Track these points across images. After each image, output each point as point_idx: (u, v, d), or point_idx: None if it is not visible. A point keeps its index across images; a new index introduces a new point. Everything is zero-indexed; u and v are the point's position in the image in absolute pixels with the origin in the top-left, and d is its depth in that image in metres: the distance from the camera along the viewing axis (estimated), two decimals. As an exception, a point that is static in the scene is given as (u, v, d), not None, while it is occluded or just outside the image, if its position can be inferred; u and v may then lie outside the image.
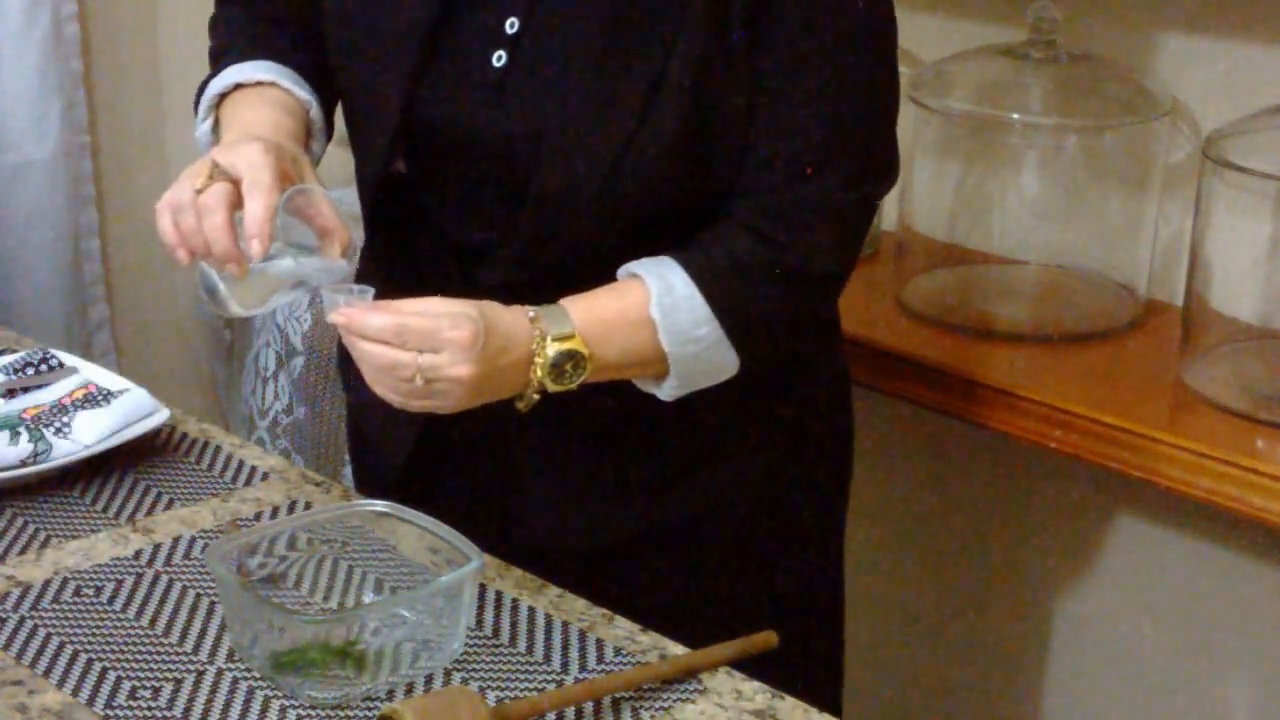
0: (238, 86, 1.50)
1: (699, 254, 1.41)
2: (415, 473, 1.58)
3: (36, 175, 2.48)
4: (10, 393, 1.70)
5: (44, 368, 1.74)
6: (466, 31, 1.43)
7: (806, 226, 1.41)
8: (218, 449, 1.70)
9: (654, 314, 1.38)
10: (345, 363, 1.71)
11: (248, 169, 1.34)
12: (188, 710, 1.28)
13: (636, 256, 1.42)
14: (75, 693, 1.30)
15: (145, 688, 1.31)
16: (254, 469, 1.66)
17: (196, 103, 1.54)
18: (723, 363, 1.42)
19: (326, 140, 1.57)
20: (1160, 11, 2.01)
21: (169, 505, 1.59)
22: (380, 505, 1.43)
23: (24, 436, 1.61)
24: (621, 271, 1.41)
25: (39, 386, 1.71)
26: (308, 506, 1.58)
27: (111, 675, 1.32)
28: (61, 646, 1.36)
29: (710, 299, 1.39)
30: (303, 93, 1.51)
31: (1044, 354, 1.97)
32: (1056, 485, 2.20)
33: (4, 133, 2.45)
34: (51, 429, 1.63)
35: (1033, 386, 1.87)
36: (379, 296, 1.35)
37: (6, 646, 1.36)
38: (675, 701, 1.31)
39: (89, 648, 1.36)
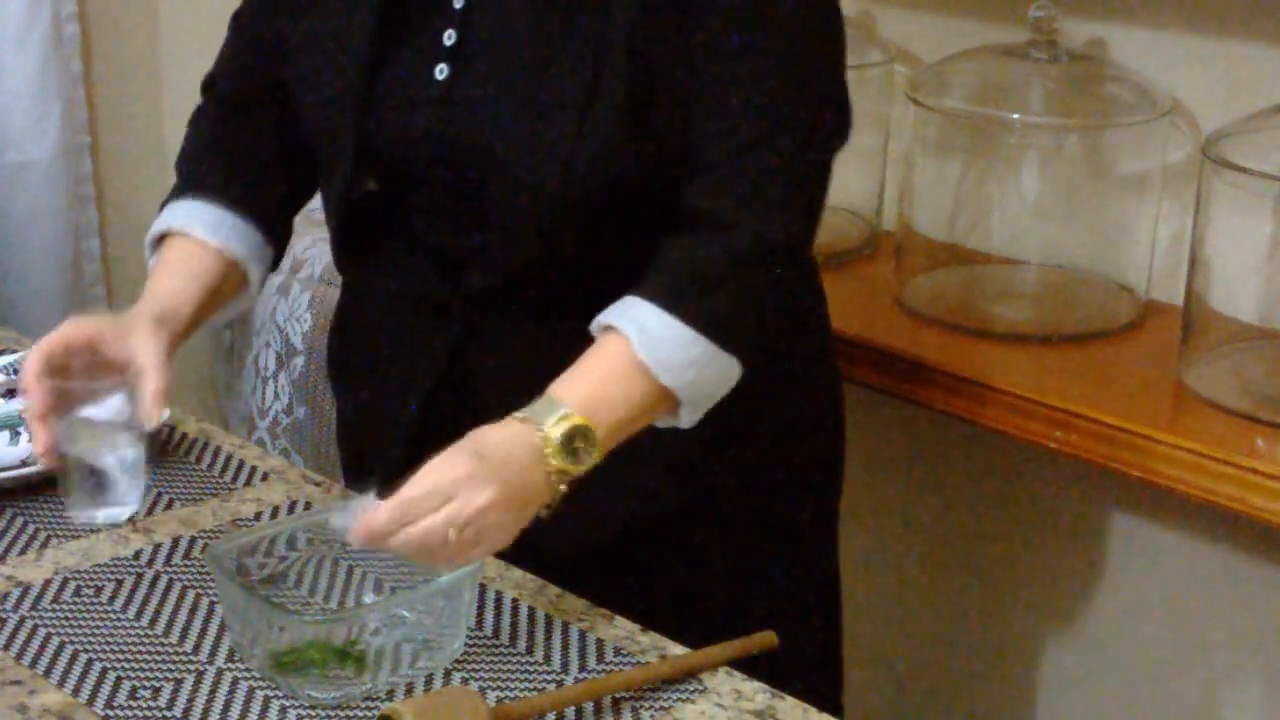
0: (168, 233, 1.60)
1: (658, 277, 1.40)
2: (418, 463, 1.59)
3: (36, 175, 2.48)
4: (10, 393, 1.70)
5: (44, 368, 1.74)
6: (408, 49, 1.47)
7: (755, 200, 1.41)
8: (218, 449, 1.70)
9: (641, 358, 1.36)
10: (336, 369, 1.71)
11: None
12: (188, 710, 1.28)
13: (608, 249, 1.43)
14: (75, 693, 1.30)
15: (145, 688, 1.31)
16: (254, 469, 1.66)
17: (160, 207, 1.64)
18: (726, 372, 1.41)
19: (276, 250, 1.63)
20: (1160, 11, 2.01)
21: (169, 505, 1.59)
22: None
23: (24, 436, 1.61)
24: (594, 326, 1.40)
25: (39, 386, 1.71)
26: (308, 507, 1.58)
27: (111, 675, 1.32)
28: (61, 646, 1.36)
29: (687, 319, 1.38)
30: (214, 237, 1.57)
31: (1044, 354, 1.97)
32: (1056, 485, 2.20)
33: (4, 133, 2.45)
34: (51, 429, 1.63)
35: (1033, 386, 1.87)
36: (362, 304, 1.40)
37: (6, 646, 1.36)
38: (675, 701, 1.31)
39: (89, 648, 1.36)
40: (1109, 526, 2.19)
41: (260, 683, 1.31)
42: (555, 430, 1.32)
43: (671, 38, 1.39)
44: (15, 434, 1.62)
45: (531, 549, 1.46)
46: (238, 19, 1.66)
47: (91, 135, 2.55)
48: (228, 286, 1.59)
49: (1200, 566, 2.11)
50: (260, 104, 1.61)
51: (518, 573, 1.48)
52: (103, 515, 1.43)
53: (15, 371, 1.73)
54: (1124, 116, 2.01)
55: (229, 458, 1.68)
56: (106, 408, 1.42)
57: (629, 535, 1.55)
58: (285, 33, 1.56)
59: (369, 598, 1.43)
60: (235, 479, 1.64)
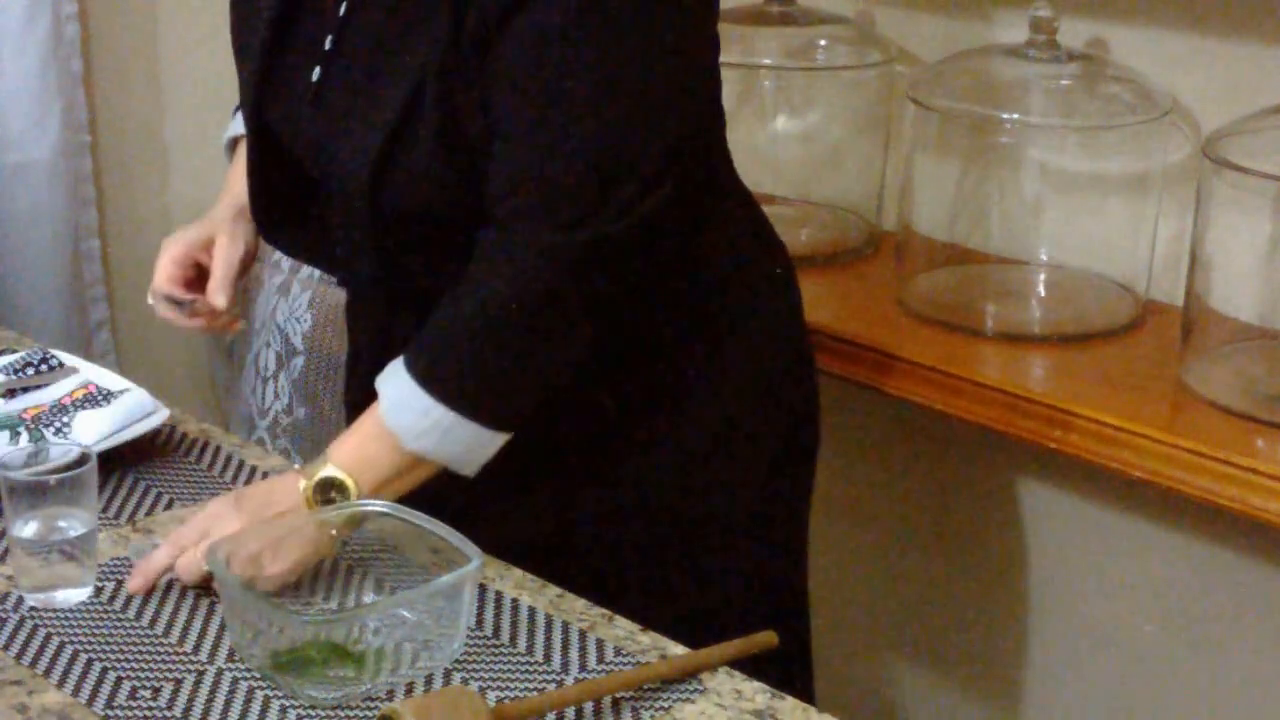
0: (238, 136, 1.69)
1: (423, 340, 1.42)
2: None
3: (36, 175, 2.48)
4: (10, 393, 1.70)
5: (44, 368, 1.74)
6: (295, 49, 1.52)
7: (507, 268, 1.39)
8: (218, 449, 1.70)
9: (389, 425, 1.41)
10: (350, 364, 1.72)
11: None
12: (188, 710, 1.28)
13: (448, 264, 1.44)
14: (75, 693, 1.30)
15: (145, 688, 1.31)
16: (254, 469, 1.66)
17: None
18: (476, 437, 1.41)
19: None
20: (1160, 11, 2.01)
21: (169, 505, 1.59)
22: (380, 505, 1.43)
23: (24, 436, 1.61)
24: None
25: (39, 386, 1.71)
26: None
27: (111, 675, 1.32)
28: (61, 646, 1.36)
29: (425, 383, 1.40)
30: None
31: (1044, 354, 1.97)
32: (1056, 485, 2.20)
33: (4, 133, 2.45)
34: (51, 429, 1.63)
35: (1033, 386, 1.87)
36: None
37: (6, 646, 1.36)
38: (675, 701, 1.31)
39: (89, 648, 1.36)
40: (1109, 526, 2.19)
41: (260, 683, 1.31)
42: (313, 480, 1.42)
43: (474, 85, 1.39)
44: (15, 434, 1.62)
45: (486, 543, 1.46)
46: None
47: (91, 135, 2.55)
48: None
49: (1200, 566, 2.11)
50: None
51: (518, 572, 1.48)
52: (61, 596, 1.42)
53: (15, 371, 1.73)
54: (1124, 116, 2.01)
55: (229, 458, 1.68)
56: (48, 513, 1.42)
57: (579, 527, 1.57)
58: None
59: (369, 597, 1.43)
60: (235, 479, 1.64)
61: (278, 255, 2.55)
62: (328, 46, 1.49)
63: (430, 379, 1.39)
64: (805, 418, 1.67)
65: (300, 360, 2.50)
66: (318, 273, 2.46)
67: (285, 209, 1.57)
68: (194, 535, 1.42)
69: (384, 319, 1.61)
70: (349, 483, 1.42)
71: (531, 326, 1.40)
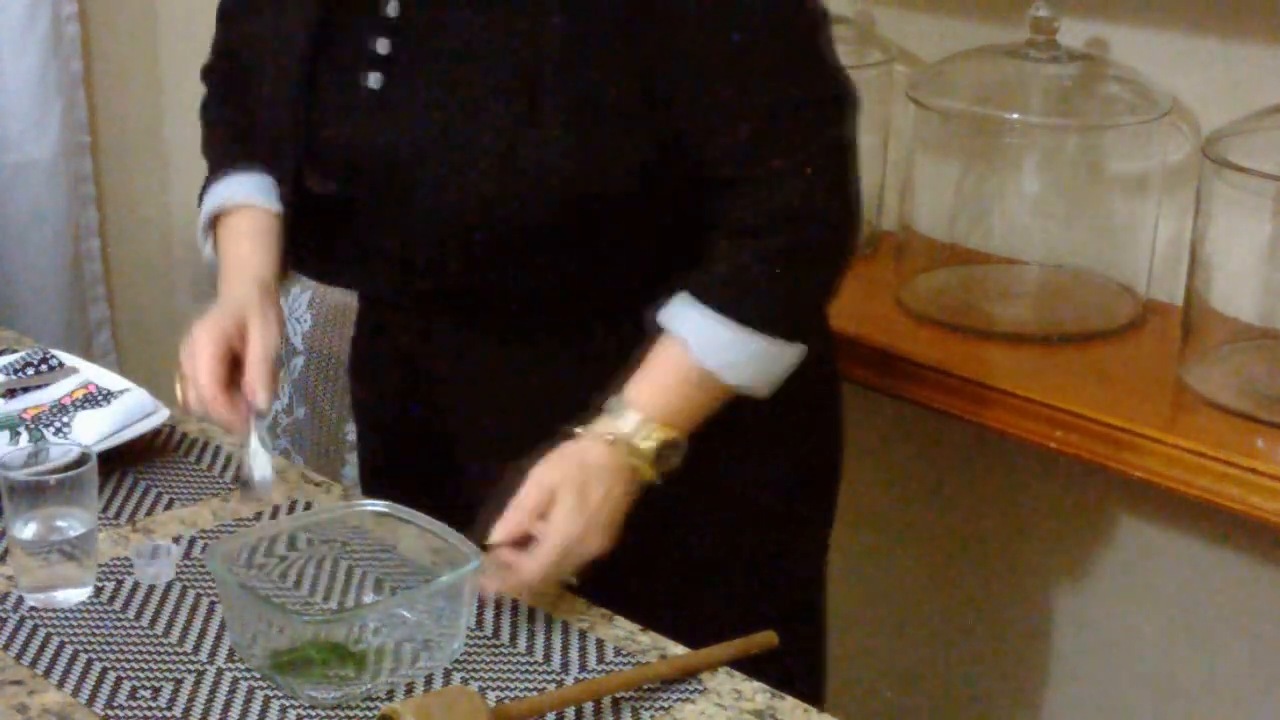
0: (224, 211, 1.58)
1: (709, 276, 1.42)
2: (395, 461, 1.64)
3: (36, 175, 2.48)
4: (10, 393, 1.70)
5: (44, 368, 1.75)
6: (341, 55, 1.47)
7: (780, 206, 1.42)
8: (218, 449, 1.70)
9: (705, 365, 1.41)
10: (351, 362, 1.74)
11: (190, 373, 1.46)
12: (188, 710, 1.28)
13: (551, 267, 1.43)
14: (75, 693, 1.30)
15: (145, 688, 1.31)
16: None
17: (201, 196, 1.61)
18: (786, 357, 1.45)
19: None
20: (1160, 11, 2.01)
21: (169, 505, 1.59)
22: (380, 505, 1.43)
23: (24, 436, 1.61)
24: (654, 322, 1.43)
25: (39, 386, 1.71)
26: (308, 507, 1.58)
27: (111, 675, 1.32)
28: (61, 646, 1.36)
29: (742, 320, 1.41)
30: (275, 204, 1.56)
31: (1044, 354, 1.97)
32: (1056, 485, 2.20)
33: (4, 133, 2.45)
34: (51, 429, 1.63)
35: (1033, 386, 1.87)
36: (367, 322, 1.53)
37: (6, 646, 1.36)
38: (675, 701, 1.31)
39: (89, 648, 1.36)
40: (1109, 526, 2.19)
41: (260, 683, 1.31)
42: (648, 445, 1.40)
43: (616, 52, 1.38)
44: (15, 434, 1.62)
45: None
46: (221, 4, 1.66)
47: (91, 135, 2.55)
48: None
49: (1200, 566, 2.11)
50: (245, 85, 1.60)
51: (518, 573, 1.48)
52: (61, 596, 1.42)
53: (15, 371, 1.73)
54: (1124, 116, 2.00)
55: (229, 458, 1.68)
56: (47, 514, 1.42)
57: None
58: (238, 20, 1.60)
59: (369, 597, 1.43)
60: (235, 479, 1.64)
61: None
62: (384, 51, 1.45)
63: (745, 313, 1.41)
64: (832, 440, 1.67)
65: (300, 360, 2.50)
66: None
67: (325, 231, 1.53)
68: (554, 556, 1.36)
69: (444, 334, 1.56)
70: (680, 438, 1.42)
71: (817, 242, 1.45)
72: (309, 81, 1.47)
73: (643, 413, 1.40)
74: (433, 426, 1.59)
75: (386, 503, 1.43)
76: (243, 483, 1.47)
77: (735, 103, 1.40)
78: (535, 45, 1.37)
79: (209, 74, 1.68)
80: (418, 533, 1.40)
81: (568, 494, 1.36)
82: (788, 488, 1.62)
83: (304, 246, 1.57)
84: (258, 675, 1.32)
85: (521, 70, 1.38)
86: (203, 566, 1.47)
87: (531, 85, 1.37)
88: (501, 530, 1.36)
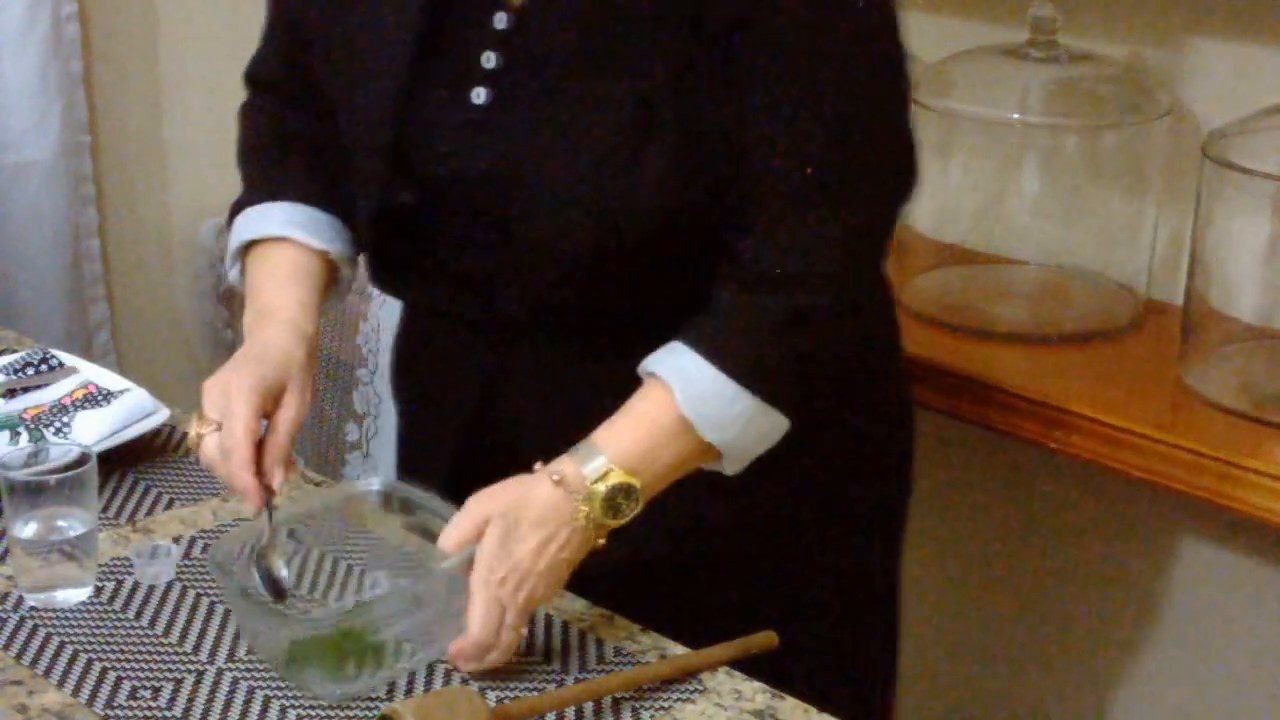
0: (260, 240, 1.52)
1: (707, 326, 1.36)
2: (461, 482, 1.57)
3: (36, 175, 2.48)
4: (10, 393, 1.70)
5: (44, 368, 1.74)
6: (444, 67, 1.41)
7: (811, 259, 1.35)
8: (218, 449, 1.70)
9: (685, 413, 1.33)
10: (395, 379, 1.69)
11: (226, 423, 1.37)
12: (188, 710, 1.28)
13: (644, 290, 1.39)
14: (75, 693, 1.30)
15: (145, 688, 1.31)
16: (254, 469, 1.66)
17: (230, 219, 1.56)
18: (772, 426, 1.37)
19: (357, 253, 1.56)
20: (1160, 12, 2.01)
21: (169, 505, 1.59)
22: (376, 484, 1.42)
23: (24, 436, 1.61)
24: (641, 370, 1.37)
25: (39, 386, 1.71)
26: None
27: (111, 675, 1.32)
28: (61, 646, 1.36)
29: (734, 375, 1.33)
30: (318, 241, 1.51)
31: (1044, 354, 1.97)
32: (1056, 485, 2.20)
33: (4, 133, 2.45)
34: (51, 429, 1.63)
35: (1033, 386, 1.87)
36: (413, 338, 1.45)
37: (6, 646, 1.36)
38: (675, 701, 1.30)
39: (89, 648, 1.36)
40: (1108, 526, 2.19)
41: (260, 682, 1.31)
42: (599, 487, 1.31)
43: (718, 83, 1.32)
44: (15, 434, 1.62)
45: (578, 571, 1.43)
46: (273, 4, 1.58)
47: (91, 135, 2.55)
48: (327, 290, 1.54)
49: (1200, 566, 2.11)
50: (311, 94, 1.54)
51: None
52: (61, 596, 1.42)
53: (15, 371, 1.73)
54: (1124, 116, 2.01)
55: (229, 458, 1.68)
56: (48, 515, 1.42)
57: (678, 557, 1.50)
58: (314, 23, 1.50)
59: (374, 587, 1.42)
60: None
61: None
62: (491, 65, 1.39)
63: (737, 367, 1.33)
64: (901, 453, 1.64)
65: (300, 360, 2.50)
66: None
67: (406, 247, 1.47)
68: (482, 605, 1.29)
69: (520, 352, 1.48)
70: (636, 484, 1.32)
71: (832, 310, 1.38)
72: (407, 93, 1.41)
73: (605, 454, 1.32)
74: (500, 444, 1.51)
75: (382, 480, 1.42)
76: (268, 580, 1.37)
77: (803, 140, 1.33)
78: (649, 66, 1.32)
79: (259, 79, 1.60)
80: (410, 519, 1.39)
81: (494, 530, 1.30)
82: (851, 519, 1.58)
83: (382, 261, 1.51)
84: (258, 675, 1.32)
85: (635, 91, 1.32)
86: (203, 567, 1.47)
87: (645, 107, 1.33)
88: (440, 548, 1.31)
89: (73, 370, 1.75)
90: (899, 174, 1.41)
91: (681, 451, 1.35)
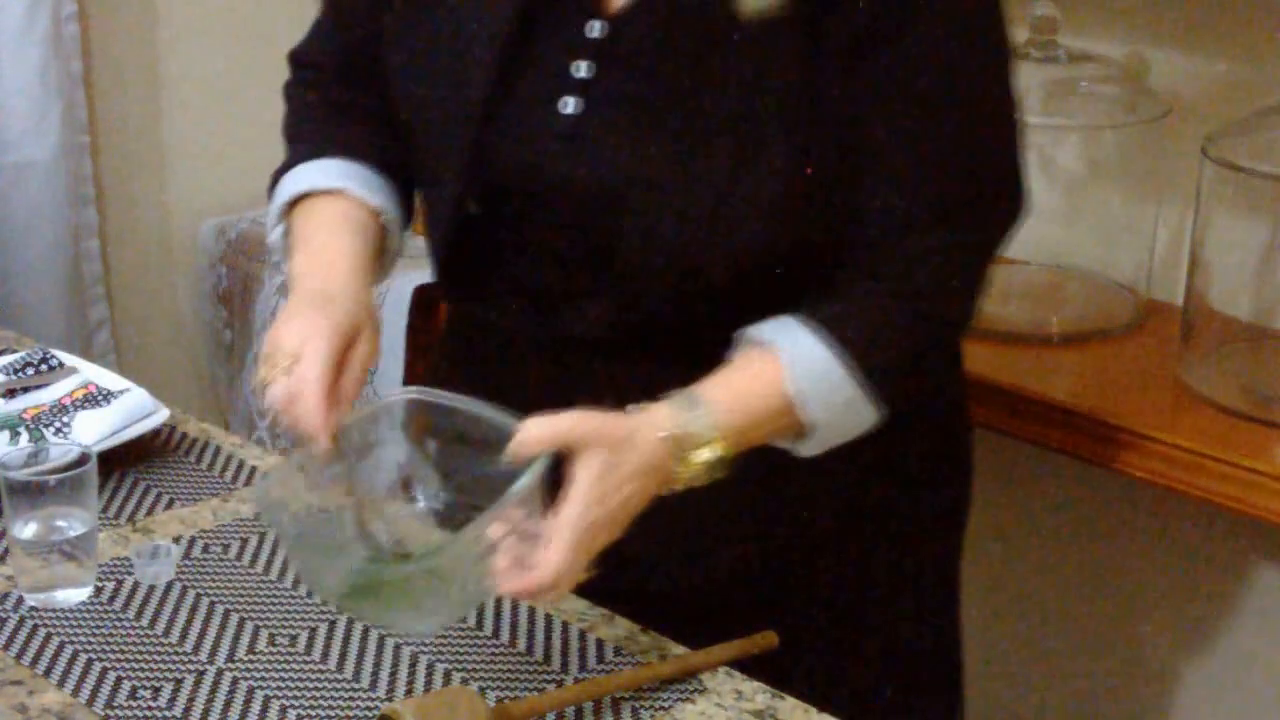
0: (308, 194, 1.44)
1: (829, 307, 1.33)
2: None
3: (36, 175, 2.48)
4: (10, 393, 1.70)
5: (44, 368, 1.74)
6: (532, 75, 1.36)
7: (937, 273, 1.35)
8: (218, 449, 1.70)
9: (790, 390, 1.30)
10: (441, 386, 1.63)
11: (302, 363, 1.28)
12: (188, 710, 1.28)
13: (733, 306, 1.35)
14: (75, 693, 1.30)
15: (145, 688, 1.31)
16: (254, 469, 1.66)
17: (271, 188, 1.48)
18: (860, 422, 1.34)
19: (405, 227, 1.51)
20: (1160, 12, 2.01)
21: (169, 505, 1.59)
22: (413, 392, 1.32)
23: (24, 436, 1.61)
24: (744, 336, 1.33)
25: (39, 386, 1.71)
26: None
27: (111, 675, 1.32)
28: (61, 646, 1.36)
29: (848, 360, 1.31)
30: (374, 198, 1.44)
31: (1044, 354, 1.97)
32: (1056, 485, 2.20)
33: (4, 133, 2.45)
34: (51, 429, 1.63)
35: (1033, 386, 1.87)
36: (457, 352, 1.33)
37: (6, 646, 1.36)
38: (675, 701, 1.31)
39: (89, 648, 1.36)
40: (1108, 526, 2.19)
41: (260, 682, 1.31)
42: (701, 455, 1.26)
43: (837, 102, 1.30)
44: (15, 434, 1.62)
45: (632, 591, 1.41)
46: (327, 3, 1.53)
47: (91, 135, 2.55)
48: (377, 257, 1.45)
49: (1200, 566, 2.11)
50: (365, 75, 1.48)
51: (518, 573, 1.48)
52: (61, 596, 1.42)
53: (15, 371, 1.73)
54: (1124, 116, 2.01)
55: (229, 458, 1.68)
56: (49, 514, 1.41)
57: (729, 574, 1.48)
58: (390, 27, 1.44)
59: (423, 500, 1.33)
60: (235, 479, 1.64)
61: (278, 255, 2.55)
62: (584, 74, 1.34)
63: (852, 354, 1.31)
64: (962, 472, 1.61)
65: (300, 360, 2.49)
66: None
67: (478, 256, 1.42)
68: (570, 536, 1.19)
69: (595, 366, 1.41)
70: (729, 459, 1.27)
71: (945, 321, 1.38)
72: (492, 102, 1.36)
73: (714, 420, 1.26)
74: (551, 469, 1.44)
75: (416, 389, 1.31)
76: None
77: (922, 167, 1.32)
78: (759, 83, 1.29)
79: (304, 62, 1.54)
80: (455, 419, 1.29)
81: (593, 465, 1.21)
82: (909, 538, 1.55)
83: (453, 271, 1.46)
84: (258, 675, 1.32)
85: (743, 111, 1.29)
86: (203, 567, 1.47)
87: (755, 124, 1.29)
88: (521, 440, 1.20)
89: (73, 370, 1.75)
90: (1014, 197, 1.39)
91: (773, 430, 1.32)
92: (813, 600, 1.50)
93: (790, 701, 1.31)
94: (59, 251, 2.54)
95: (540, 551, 1.19)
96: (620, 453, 1.22)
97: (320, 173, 1.44)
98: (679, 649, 1.37)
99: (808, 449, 1.35)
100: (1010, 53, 1.36)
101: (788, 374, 1.30)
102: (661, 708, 1.30)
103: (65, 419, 1.64)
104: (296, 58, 1.56)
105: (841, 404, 1.32)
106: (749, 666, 1.36)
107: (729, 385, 1.30)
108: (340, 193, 1.43)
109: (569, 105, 1.35)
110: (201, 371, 2.83)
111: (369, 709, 1.28)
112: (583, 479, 1.20)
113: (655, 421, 1.25)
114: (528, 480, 1.20)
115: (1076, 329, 2.02)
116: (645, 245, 1.33)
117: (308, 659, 1.34)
